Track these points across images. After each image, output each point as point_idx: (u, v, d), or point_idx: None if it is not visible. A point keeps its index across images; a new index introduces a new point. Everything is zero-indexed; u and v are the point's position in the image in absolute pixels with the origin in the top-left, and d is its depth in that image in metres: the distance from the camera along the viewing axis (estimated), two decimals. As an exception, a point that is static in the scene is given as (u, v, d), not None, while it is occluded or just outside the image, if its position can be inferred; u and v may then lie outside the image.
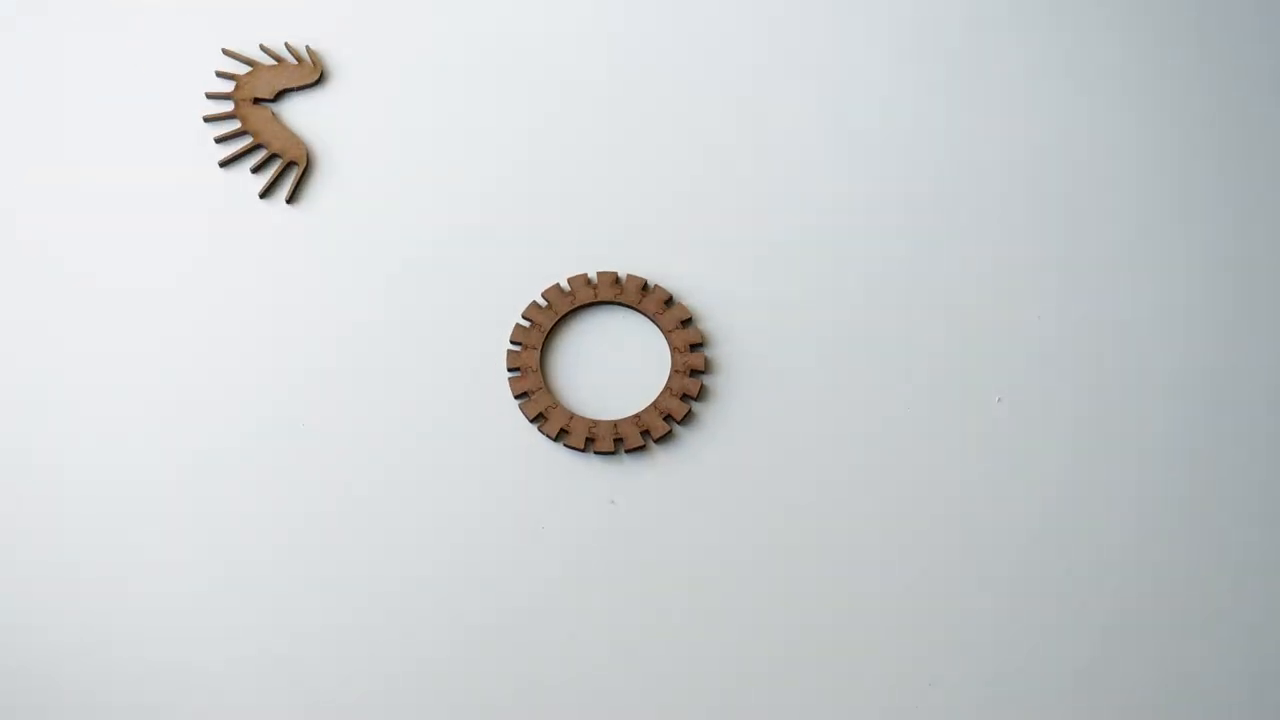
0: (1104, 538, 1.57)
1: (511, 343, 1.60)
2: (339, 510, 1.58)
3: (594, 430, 1.58)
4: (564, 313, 1.61)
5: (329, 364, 1.61)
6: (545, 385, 1.59)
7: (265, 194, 1.65)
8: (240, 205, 1.66)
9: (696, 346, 1.60)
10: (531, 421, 1.59)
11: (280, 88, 1.69)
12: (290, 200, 1.66)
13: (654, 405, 1.59)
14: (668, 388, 1.59)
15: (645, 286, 1.61)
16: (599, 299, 1.61)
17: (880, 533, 1.58)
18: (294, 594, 1.56)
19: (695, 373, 1.59)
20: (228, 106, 1.68)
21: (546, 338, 1.60)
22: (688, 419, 1.59)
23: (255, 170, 1.65)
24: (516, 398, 1.59)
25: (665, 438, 1.59)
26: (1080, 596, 1.56)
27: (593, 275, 1.61)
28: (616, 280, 1.61)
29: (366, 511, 1.58)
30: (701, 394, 1.60)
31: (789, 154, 1.67)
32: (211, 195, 1.66)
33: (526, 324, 1.60)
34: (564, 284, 1.61)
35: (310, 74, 1.69)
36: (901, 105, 1.68)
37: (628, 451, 1.58)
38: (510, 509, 1.58)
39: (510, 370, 1.59)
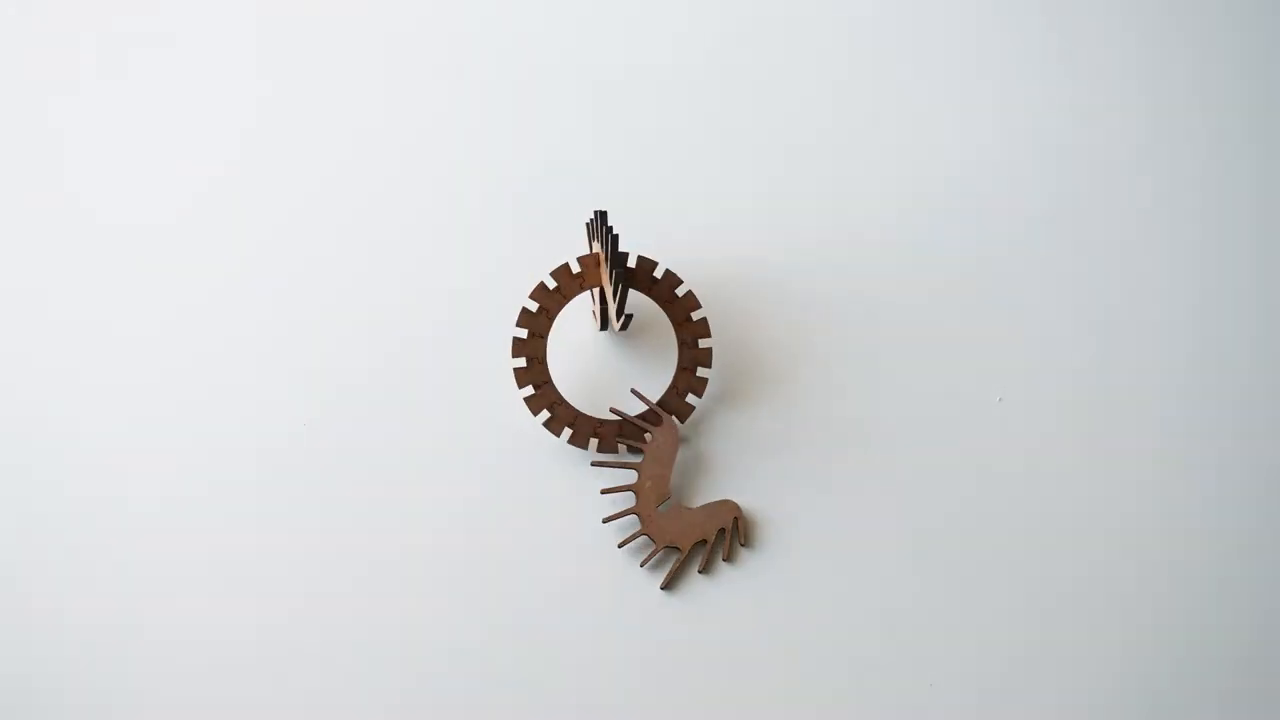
0: (1104, 538, 1.58)
1: (518, 327, 1.52)
2: (341, 500, 1.53)
3: (600, 430, 1.53)
4: (572, 296, 1.53)
5: (329, 362, 1.56)
6: (551, 379, 1.52)
7: None
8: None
9: (703, 340, 1.54)
10: (535, 416, 1.52)
11: None
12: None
13: (659, 403, 1.54)
14: (673, 385, 1.54)
15: (655, 271, 1.53)
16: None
17: (880, 533, 1.56)
18: (293, 585, 1.52)
19: (700, 368, 1.54)
20: None
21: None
22: (691, 415, 1.55)
23: None
24: (520, 387, 1.51)
25: (669, 437, 1.54)
26: (1081, 597, 1.56)
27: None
28: (626, 263, 1.53)
29: (368, 499, 1.53)
30: (705, 391, 1.55)
31: (803, 151, 1.62)
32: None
33: (534, 307, 1.52)
34: (574, 265, 1.53)
35: None
36: (906, 106, 1.63)
37: (630, 451, 1.53)
38: (511, 505, 1.54)
39: (515, 357, 1.52)
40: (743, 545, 1.52)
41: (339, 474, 1.53)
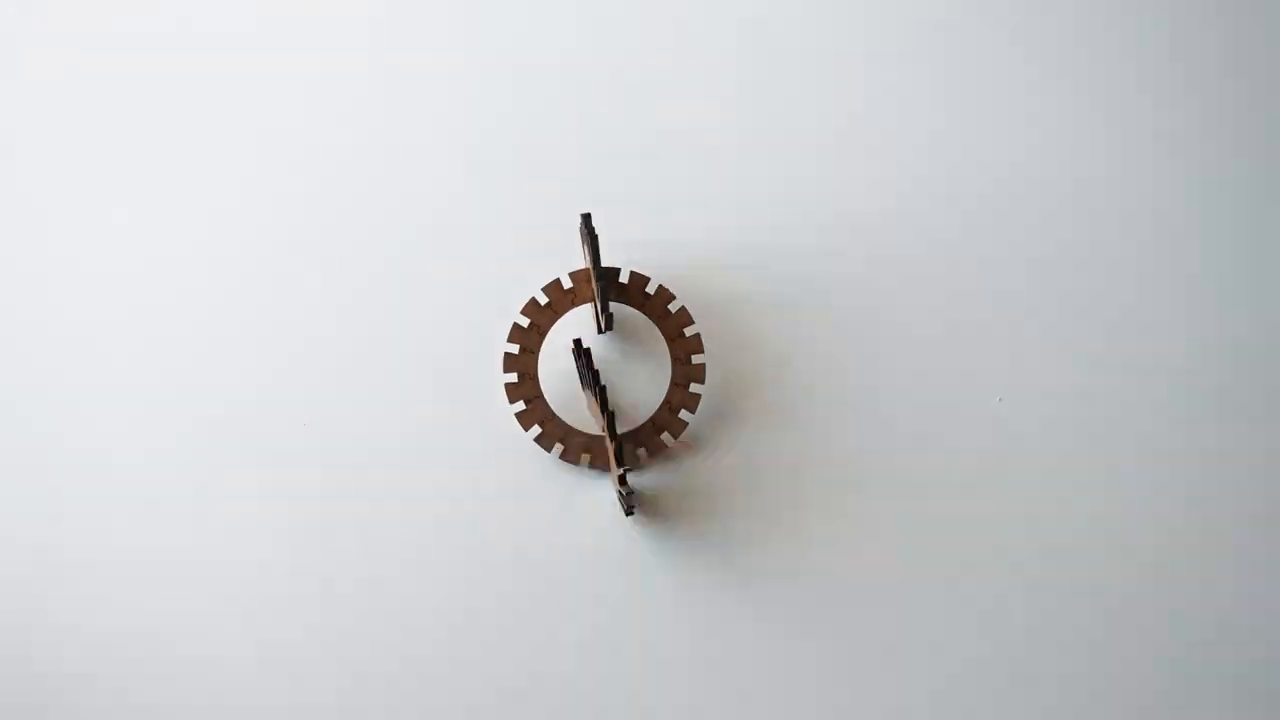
0: (1104, 538, 1.57)
1: (509, 343, 1.52)
2: (336, 502, 1.55)
3: (591, 446, 1.53)
4: (564, 312, 1.53)
5: (327, 367, 1.57)
6: (542, 393, 1.53)
7: None
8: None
9: (696, 356, 1.53)
10: (526, 431, 1.53)
11: None
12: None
13: (651, 421, 1.54)
14: (666, 401, 1.54)
15: (648, 287, 1.53)
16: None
17: (880, 534, 1.57)
18: (288, 603, 1.55)
19: (694, 384, 1.54)
20: None
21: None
22: (685, 430, 1.55)
23: None
24: (511, 402, 1.52)
25: (660, 452, 1.54)
26: (1081, 596, 1.57)
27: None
28: (618, 277, 1.53)
29: (362, 502, 1.56)
30: (700, 405, 1.55)
31: (796, 160, 1.59)
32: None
33: (525, 323, 1.52)
34: (565, 280, 1.52)
35: None
36: (907, 109, 1.60)
37: (623, 468, 1.53)
38: (502, 519, 1.55)
39: (507, 372, 1.52)
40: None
41: (335, 480, 1.55)
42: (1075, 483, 1.58)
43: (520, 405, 1.52)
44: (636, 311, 1.54)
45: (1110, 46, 1.61)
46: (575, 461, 1.53)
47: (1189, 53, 1.61)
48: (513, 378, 1.52)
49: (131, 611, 1.54)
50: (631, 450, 1.53)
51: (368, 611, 1.54)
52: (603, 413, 1.43)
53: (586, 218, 1.44)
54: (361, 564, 1.54)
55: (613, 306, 1.54)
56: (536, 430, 1.53)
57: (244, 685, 1.53)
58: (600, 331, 1.54)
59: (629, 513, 1.48)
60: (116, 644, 1.54)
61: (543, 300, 1.52)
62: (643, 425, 1.54)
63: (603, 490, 1.55)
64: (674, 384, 1.54)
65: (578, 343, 1.45)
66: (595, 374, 1.45)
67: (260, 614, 1.54)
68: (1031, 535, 1.58)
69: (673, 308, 1.53)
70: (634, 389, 1.56)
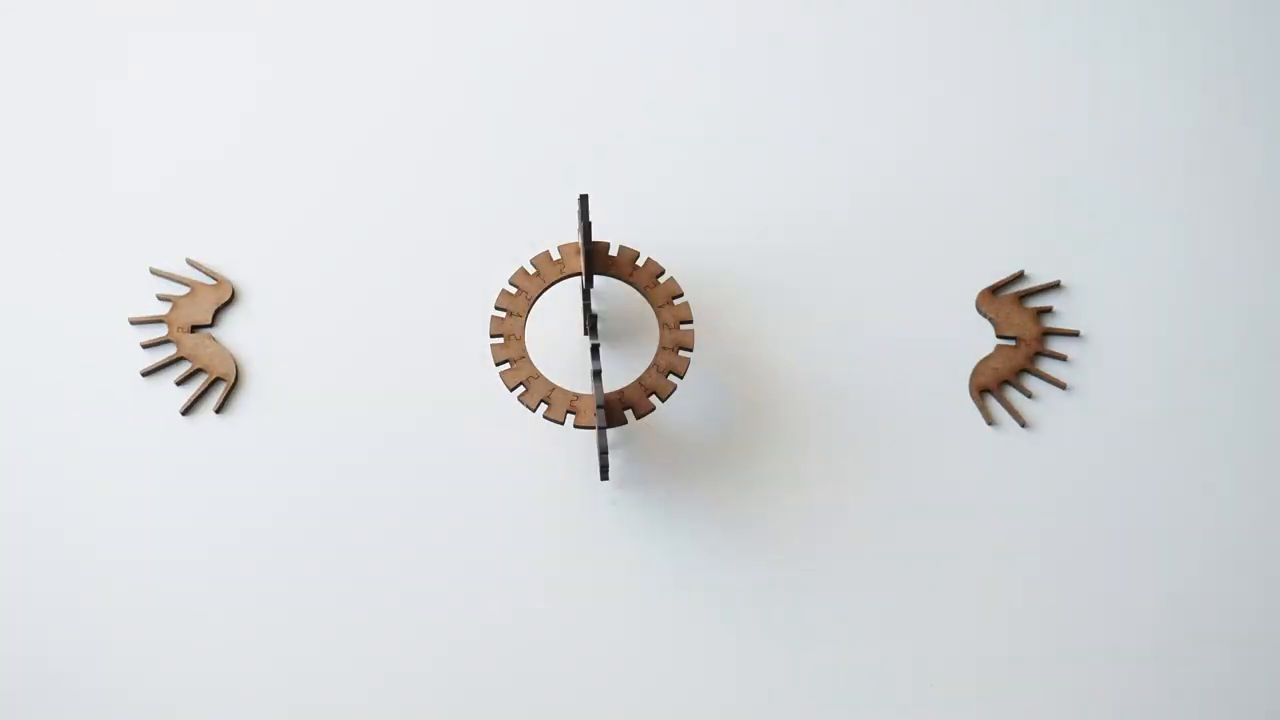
0: (1106, 537, 1.52)
1: (496, 308, 1.52)
2: (328, 487, 1.55)
3: (575, 404, 1.50)
4: (551, 281, 1.53)
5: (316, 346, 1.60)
6: (527, 354, 1.52)
7: None
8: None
9: (686, 324, 1.53)
10: (511, 390, 1.51)
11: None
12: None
13: (639, 381, 1.52)
14: (654, 364, 1.52)
15: (637, 260, 1.54)
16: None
17: (880, 532, 1.53)
18: (281, 552, 1.54)
19: (682, 349, 1.52)
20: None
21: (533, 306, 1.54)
22: (673, 396, 1.52)
23: None
24: (498, 364, 1.51)
25: (649, 414, 1.51)
26: (1081, 596, 1.51)
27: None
28: (608, 250, 1.54)
29: (356, 485, 1.55)
30: (688, 372, 1.53)
31: (792, 141, 1.63)
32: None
33: (513, 290, 1.53)
34: (554, 252, 1.54)
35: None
36: (906, 99, 1.64)
37: (610, 425, 1.51)
38: (486, 476, 1.55)
39: (494, 336, 1.52)
40: None
41: (332, 452, 1.56)
42: (1077, 483, 1.54)
43: (505, 365, 1.52)
44: (626, 296, 1.55)
45: (1109, 35, 1.66)
46: (560, 420, 1.51)
47: (1177, 36, 1.66)
48: (499, 340, 1.53)
49: (133, 612, 1.52)
50: (619, 409, 1.51)
51: (337, 562, 1.53)
52: (594, 374, 1.43)
53: (584, 199, 1.49)
54: (340, 519, 1.54)
55: (603, 299, 1.55)
56: (521, 389, 1.51)
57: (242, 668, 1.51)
58: (585, 333, 1.55)
59: (604, 477, 1.47)
60: (117, 643, 1.51)
61: (531, 270, 1.54)
62: (630, 385, 1.52)
63: (590, 449, 1.53)
64: (662, 348, 1.53)
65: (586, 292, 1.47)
66: (594, 318, 1.47)
67: (256, 575, 1.53)
68: (1033, 535, 1.53)
69: (661, 279, 1.54)
70: (623, 370, 1.56)
